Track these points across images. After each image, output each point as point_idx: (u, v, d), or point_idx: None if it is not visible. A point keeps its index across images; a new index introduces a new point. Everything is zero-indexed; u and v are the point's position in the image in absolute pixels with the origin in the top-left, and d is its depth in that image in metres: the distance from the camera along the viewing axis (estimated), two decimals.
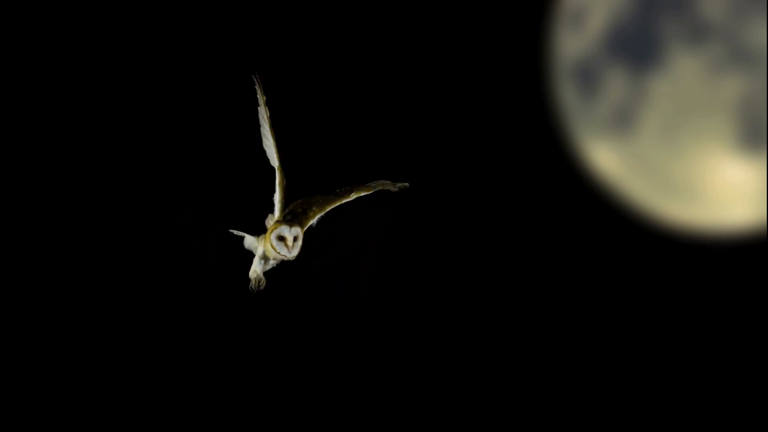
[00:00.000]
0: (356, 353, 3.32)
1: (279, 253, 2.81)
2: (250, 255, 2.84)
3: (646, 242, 3.39)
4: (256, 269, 2.87)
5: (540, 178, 3.45)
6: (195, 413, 3.25)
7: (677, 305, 3.41)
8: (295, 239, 2.80)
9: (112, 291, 3.25)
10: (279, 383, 3.31)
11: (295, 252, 2.81)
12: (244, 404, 3.28)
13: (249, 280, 2.88)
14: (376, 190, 2.95)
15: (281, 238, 2.80)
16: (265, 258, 2.86)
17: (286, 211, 2.85)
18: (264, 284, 2.88)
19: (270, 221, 2.88)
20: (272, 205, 2.83)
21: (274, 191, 2.83)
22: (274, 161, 2.82)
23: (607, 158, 3.35)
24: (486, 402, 3.37)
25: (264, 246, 2.84)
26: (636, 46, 3.20)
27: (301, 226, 2.83)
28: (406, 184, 3.02)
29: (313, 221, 2.86)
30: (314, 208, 2.88)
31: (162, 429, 3.23)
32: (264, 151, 2.82)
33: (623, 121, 3.26)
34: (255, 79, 2.77)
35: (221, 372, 3.27)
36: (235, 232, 2.88)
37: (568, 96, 3.37)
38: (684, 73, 3.15)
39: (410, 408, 3.34)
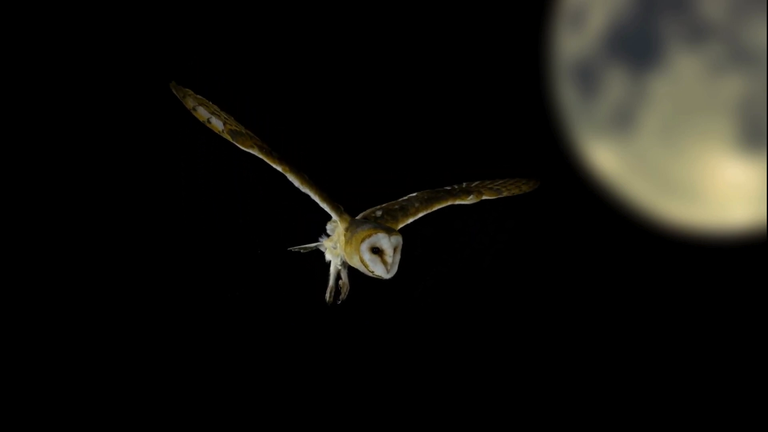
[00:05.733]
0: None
1: (372, 271, 2.13)
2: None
3: (646, 242, 3.39)
4: (342, 277, 2.23)
5: (540, 178, 3.44)
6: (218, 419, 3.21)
7: (677, 305, 3.41)
8: (395, 251, 2.12)
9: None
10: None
11: (394, 270, 2.14)
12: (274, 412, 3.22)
13: (329, 289, 2.28)
14: (502, 195, 2.42)
15: (377, 251, 2.12)
16: (344, 264, 2.24)
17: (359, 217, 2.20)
18: (347, 291, 2.26)
19: (343, 229, 2.15)
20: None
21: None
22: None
23: (607, 158, 3.35)
24: (485, 402, 3.37)
25: (347, 257, 2.18)
26: (636, 46, 3.20)
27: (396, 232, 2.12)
28: (536, 181, 2.50)
29: (410, 220, 2.28)
30: (416, 205, 2.32)
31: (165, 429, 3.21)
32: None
33: (623, 121, 3.26)
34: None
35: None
36: (296, 248, 2.29)
37: (568, 96, 3.36)
38: (684, 73, 3.15)
39: (406, 404, 3.34)
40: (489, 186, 2.48)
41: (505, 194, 2.50)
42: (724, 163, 3.19)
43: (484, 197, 2.44)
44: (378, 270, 2.14)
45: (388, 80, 3.41)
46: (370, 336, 3.20)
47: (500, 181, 2.53)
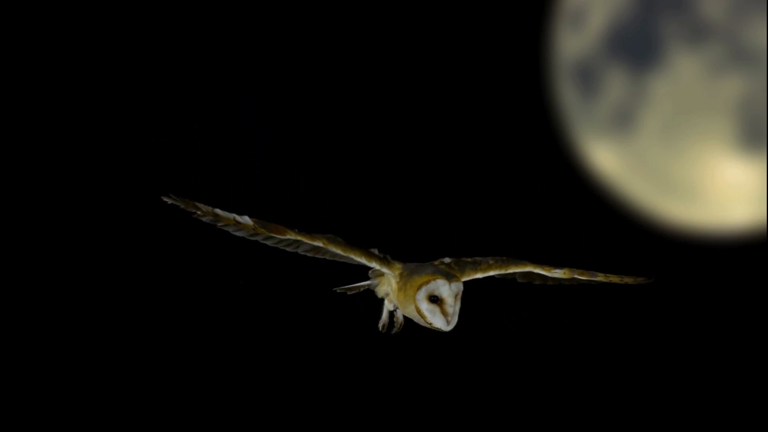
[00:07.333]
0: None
1: (431, 323, 1.92)
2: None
3: (646, 242, 3.39)
4: (396, 314, 2.07)
5: (540, 178, 3.44)
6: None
7: (677, 305, 3.41)
8: (456, 299, 1.93)
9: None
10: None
11: (454, 322, 1.94)
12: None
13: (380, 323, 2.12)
14: (596, 279, 2.25)
15: (435, 299, 1.91)
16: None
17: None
18: (401, 326, 2.09)
19: (397, 275, 1.96)
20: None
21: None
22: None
23: (607, 158, 3.34)
24: (484, 402, 3.36)
25: (401, 305, 1.99)
26: (636, 46, 3.20)
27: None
28: (647, 279, 2.35)
29: (478, 276, 2.08)
30: (490, 262, 2.16)
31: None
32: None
33: (623, 121, 3.26)
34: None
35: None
36: (341, 289, 2.15)
37: (568, 96, 3.36)
38: (684, 73, 3.15)
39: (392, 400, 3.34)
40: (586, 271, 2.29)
41: (600, 278, 2.31)
42: (724, 163, 3.19)
43: (576, 275, 2.25)
44: (437, 322, 1.95)
45: (389, 80, 3.41)
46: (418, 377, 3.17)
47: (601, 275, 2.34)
